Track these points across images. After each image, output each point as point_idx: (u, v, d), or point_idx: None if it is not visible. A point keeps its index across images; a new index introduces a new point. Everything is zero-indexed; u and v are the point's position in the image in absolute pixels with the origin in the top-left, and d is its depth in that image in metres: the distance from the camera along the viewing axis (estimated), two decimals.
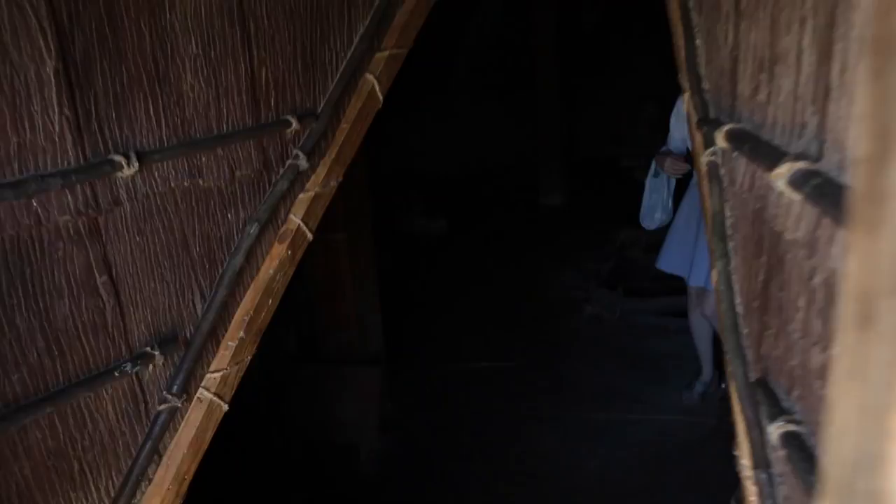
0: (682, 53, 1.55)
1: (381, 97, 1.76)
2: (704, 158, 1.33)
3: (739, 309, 1.22)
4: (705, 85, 1.41)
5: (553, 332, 5.05)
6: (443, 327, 5.14)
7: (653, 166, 3.76)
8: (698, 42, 1.45)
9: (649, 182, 3.79)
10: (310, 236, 1.62)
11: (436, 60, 7.73)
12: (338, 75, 1.67)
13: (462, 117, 8.51)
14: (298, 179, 1.59)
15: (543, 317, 5.27)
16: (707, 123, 1.31)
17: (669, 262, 3.89)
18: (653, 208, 3.83)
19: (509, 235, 6.85)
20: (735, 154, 1.17)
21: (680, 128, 3.54)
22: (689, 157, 3.49)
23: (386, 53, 1.75)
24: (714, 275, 1.35)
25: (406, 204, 7.12)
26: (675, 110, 3.63)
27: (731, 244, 1.27)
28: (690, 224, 3.70)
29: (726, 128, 1.16)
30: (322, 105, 1.64)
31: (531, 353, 4.76)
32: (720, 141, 1.19)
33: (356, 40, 1.68)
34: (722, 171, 1.31)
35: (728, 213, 1.29)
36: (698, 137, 1.41)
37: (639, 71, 9.34)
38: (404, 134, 8.00)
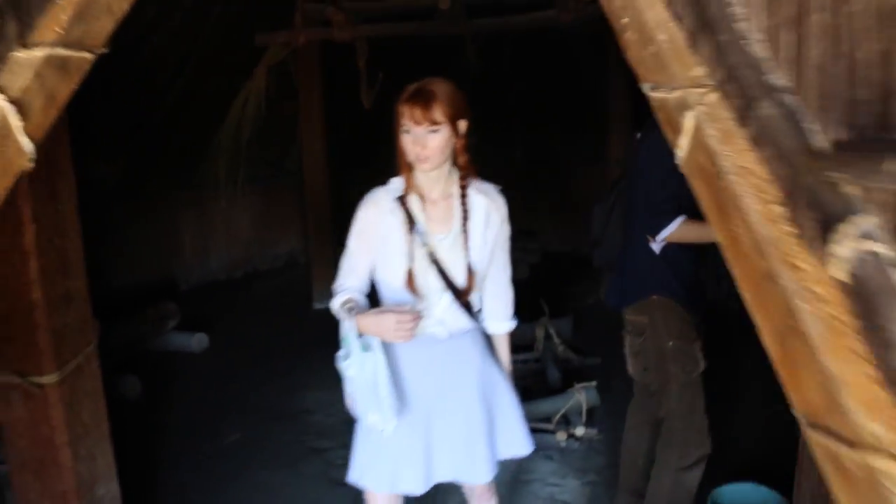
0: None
1: (29, 145, 0.89)
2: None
3: None
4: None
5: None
6: (213, 479, 4.06)
7: (349, 335, 2.17)
8: None
9: (352, 363, 2.18)
10: None
11: (188, 151, 6.83)
12: None
13: (221, 214, 7.60)
14: None
15: (335, 447, 4.37)
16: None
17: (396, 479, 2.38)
18: (370, 405, 2.23)
19: (283, 347, 5.94)
20: None
21: (368, 245, 2.31)
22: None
23: (39, 54, 0.88)
24: None
25: (159, 318, 5.99)
26: (359, 219, 2.33)
27: None
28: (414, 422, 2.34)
29: None
30: None
31: None
32: None
33: None
34: None
35: None
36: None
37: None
38: (150, 234, 6.96)
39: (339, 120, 6.94)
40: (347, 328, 2.17)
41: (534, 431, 4.11)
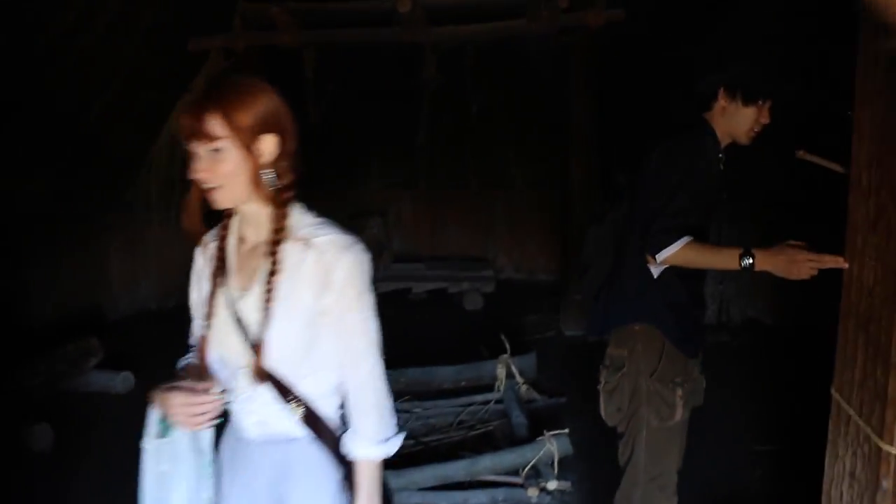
0: None
1: None
2: None
3: None
4: None
5: None
6: None
7: (152, 412, 1.65)
8: None
9: (147, 449, 1.65)
10: None
11: (117, 169, 6.30)
12: None
13: (153, 238, 7.05)
14: None
15: None
16: None
17: None
18: None
19: None
20: None
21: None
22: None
23: None
24: None
25: (79, 354, 5.40)
26: (194, 264, 1.79)
27: None
28: None
29: None
30: None
31: None
32: None
33: None
34: None
35: None
36: None
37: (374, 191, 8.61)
38: (74, 260, 6.39)
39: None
40: (154, 415, 1.64)
41: (501, 486, 3.73)
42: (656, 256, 2.42)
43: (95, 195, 6.28)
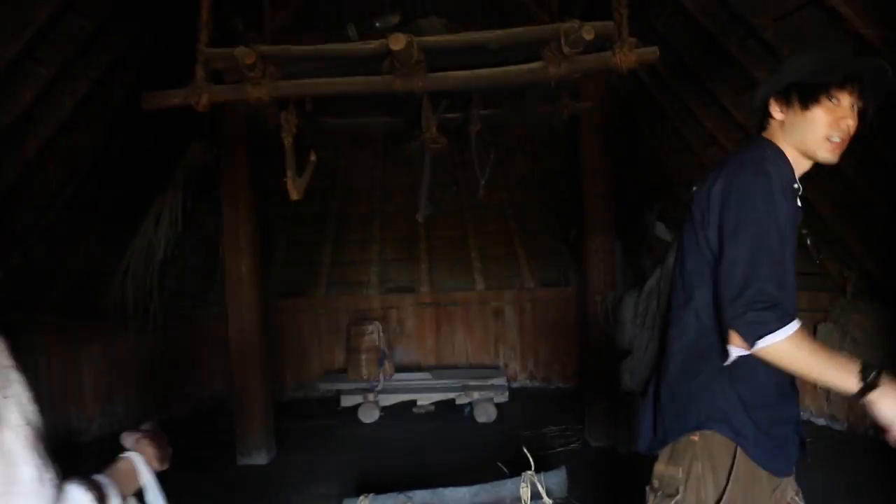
0: None
1: None
2: None
3: None
4: None
5: None
6: None
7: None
8: None
9: None
10: None
11: (89, 274, 5.76)
12: None
13: (130, 351, 6.45)
14: None
15: None
16: None
17: None
18: None
19: None
20: None
21: None
22: None
23: None
24: None
25: None
26: None
27: None
28: None
29: None
30: None
31: None
32: None
33: None
34: None
35: None
36: None
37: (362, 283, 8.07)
38: (41, 375, 5.75)
39: (277, 228, 5.97)
40: None
41: None
42: (756, 343, 1.70)
43: (65, 302, 5.71)
